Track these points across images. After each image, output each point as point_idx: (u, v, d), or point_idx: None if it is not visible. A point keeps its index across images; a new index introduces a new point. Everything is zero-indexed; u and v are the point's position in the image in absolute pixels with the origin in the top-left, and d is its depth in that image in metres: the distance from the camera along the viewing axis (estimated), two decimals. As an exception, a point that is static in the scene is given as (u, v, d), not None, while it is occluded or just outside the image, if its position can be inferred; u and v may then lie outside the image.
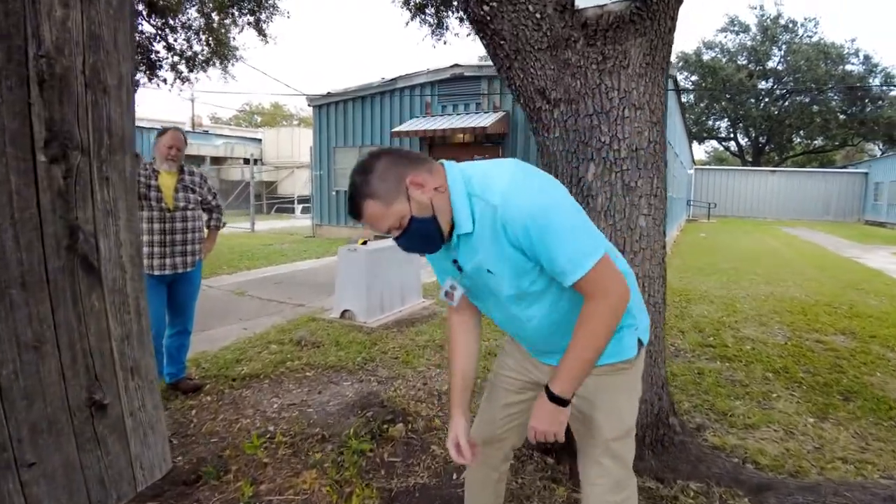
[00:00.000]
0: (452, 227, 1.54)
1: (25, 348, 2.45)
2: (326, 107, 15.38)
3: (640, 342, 1.69)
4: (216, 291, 7.89)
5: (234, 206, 24.14)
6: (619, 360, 1.66)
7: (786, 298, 7.57)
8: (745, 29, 35.76)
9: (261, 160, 25.05)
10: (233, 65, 12.63)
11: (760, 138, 38.82)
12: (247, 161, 21.81)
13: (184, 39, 12.84)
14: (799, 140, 39.51)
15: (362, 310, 5.99)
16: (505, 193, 1.45)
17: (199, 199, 4.00)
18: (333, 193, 15.26)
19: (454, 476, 2.85)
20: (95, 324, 2.71)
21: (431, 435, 3.28)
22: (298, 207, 23.26)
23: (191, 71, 12.89)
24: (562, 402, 1.52)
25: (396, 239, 1.55)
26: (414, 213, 1.47)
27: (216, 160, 24.73)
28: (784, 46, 34.64)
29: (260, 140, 27.74)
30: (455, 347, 1.85)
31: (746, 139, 39.99)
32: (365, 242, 6.24)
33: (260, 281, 8.74)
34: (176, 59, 12.86)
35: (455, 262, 1.65)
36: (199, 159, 22.41)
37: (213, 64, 12.60)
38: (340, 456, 2.95)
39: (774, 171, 30.91)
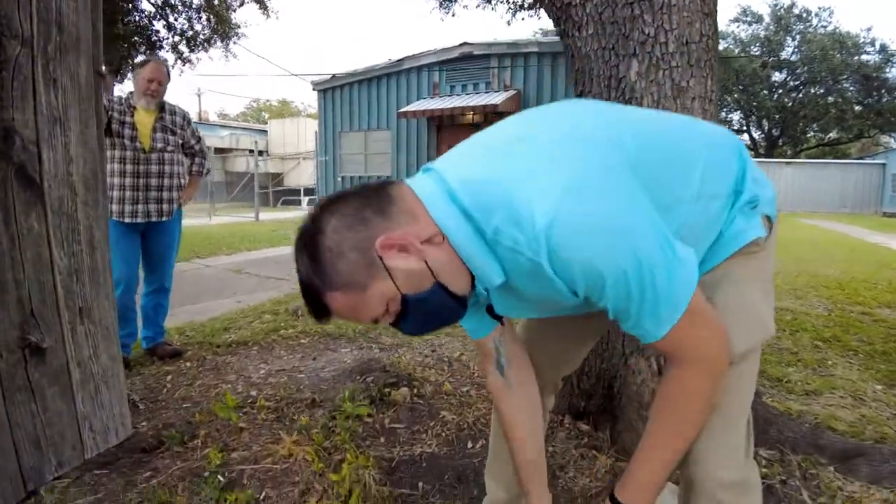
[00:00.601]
0: (473, 277, 1.05)
1: (-65, 263, 2.03)
2: (331, 91, 14.96)
3: (767, 219, 1.20)
4: (212, 270, 7.49)
5: (240, 197, 23.80)
6: (745, 242, 1.16)
7: (819, 275, 7.06)
8: (758, 19, 35.04)
9: (266, 151, 24.67)
10: (234, 43, 12.28)
11: (774, 130, 38.11)
12: (251, 152, 21.45)
13: (184, 18, 12.46)
14: (812, 133, 38.78)
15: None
16: (553, 239, 0.88)
17: (181, 141, 3.57)
18: (339, 179, 14.83)
19: (468, 444, 2.40)
20: (34, 250, 2.22)
21: (441, 400, 2.83)
22: (305, 199, 22.85)
23: (192, 51, 12.53)
24: None
25: (397, 326, 1.06)
26: (405, 291, 0.98)
27: (221, 151, 24.38)
28: (798, 36, 33.89)
29: (266, 131, 27.38)
30: (513, 427, 1.38)
31: (759, 131, 39.30)
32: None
33: (260, 261, 8.32)
34: (177, 38, 12.49)
35: (489, 309, 1.19)
36: (203, 150, 22.06)
37: (214, 43, 12.24)
38: (332, 421, 2.49)
39: (790, 162, 30.24)
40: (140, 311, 3.59)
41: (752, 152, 39.83)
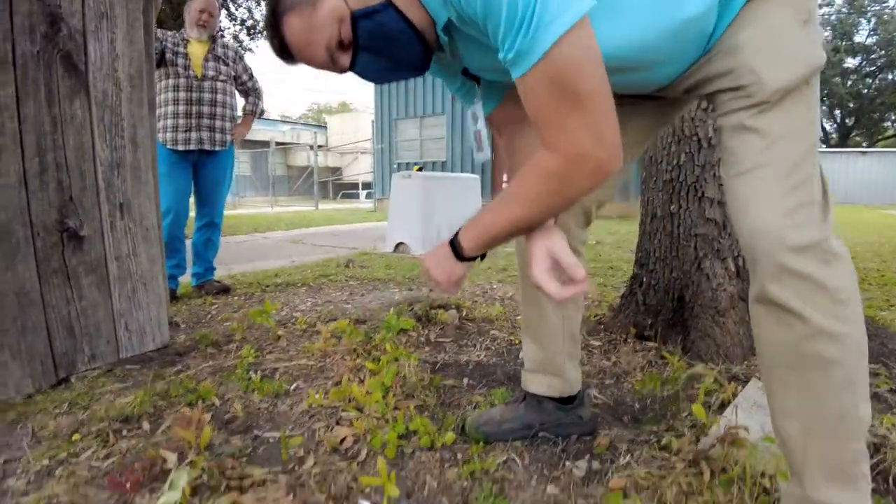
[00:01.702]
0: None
1: (-23, 132, 1.99)
2: (388, 78, 14.99)
3: None
4: (270, 241, 7.54)
5: (301, 191, 24.28)
6: None
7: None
8: (829, 2, 33.13)
9: (326, 146, 25.09)
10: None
11: (847, 120, 35.97)
12: (311, 147, 21.83)
13: (244, 8, 12.75)
14: (890, 122, 36.32)
15: (417, 242, 5.41)
16: None
17: (233, 74, 3.53)
18: (395, 167, 14.83)
19: (520, 357, 2.20)
20: (76, 137, 2.19)
21: (491, 323, 2.64)
22: (363, 193, 23.10)
23: (252, 38, 12.79)
24: (458, 253, 1.05)
25: (354, 66, 0.99)
26: (353, 7, 0.93)
27: (282, 145, 24.94)
28: (873, 18, 31.84)
29: (325, 127, 27.87)
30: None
31: (831, 121, 37.15)
32: (420, 169, 5.67)
33: (316, 234, 8.35)
34: (237, 27, 12.79)
35: (465, 72, 1.11)
36: (264, 144, 22.59)
37: (274, 29, 12.45)
38: (375, 333, 2.34)
39: (865, 152, 28.37)
40: (192, 247, 3.56)
41: (824, 143, 37.76)
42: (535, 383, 1.43)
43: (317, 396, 1.66)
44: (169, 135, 3.29)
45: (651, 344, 2.27)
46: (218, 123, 3.40)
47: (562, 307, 1.37)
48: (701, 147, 2.25)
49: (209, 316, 2.96)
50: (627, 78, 1.01)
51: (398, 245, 5.54)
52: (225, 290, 3.52)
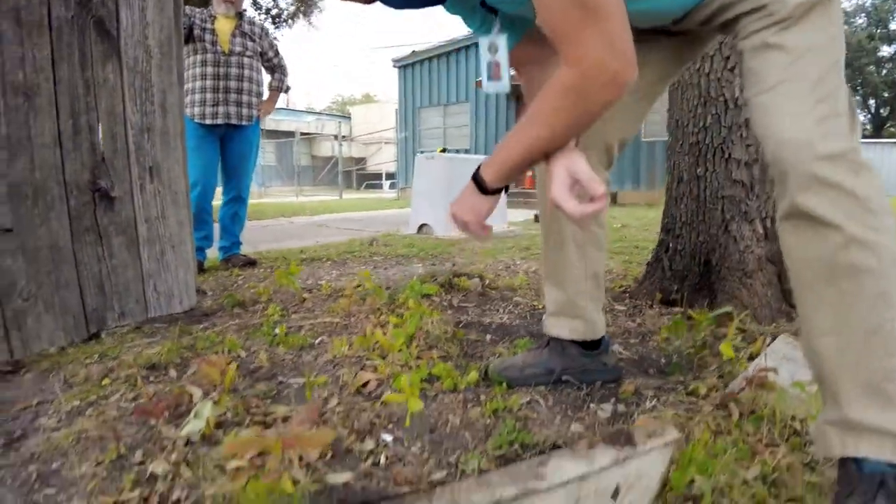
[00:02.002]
0: None
1: (13, 90, 1.88)
2: (410, 66, 14.99)
3: None
4: (295, 225, 7.62)
5: (325, 181, 24.45)
6: None
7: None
8: (863, -11, 32.19)
9: (350, 136, 25.22)
10: (317, 14, 12.52)
11: (882, 109, 34.95)
12: (336, 137, 21.94)
13: (270, -4, 12.84)
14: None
15: (440, 223, 5.41)
16: None
17: (259, 50, 3.56)
18: (419, 155, 14.87)
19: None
20: (107, 100, 2.22)
21: (514, 293, 2.63)
22: (386, 183, 23.18)
23: (277, 27, 12.88)
24: (482, 187, 1.07)
25: None
26: None
27: (306, 136, 25.13)
28: (910, 3, 30.87)
29: (349, 117, 28.00)
30: None
31: (864, 111, 36.14)
32: (444, 150, 5.66)
33: (341, 219, 8.41)
34: (263, 16, 12.89)
35: (483, 4, 1.10)
36: (289, 134, 22.81)
37: (298, 17, 12.54)
38: (397, 296, 2.35)
39: (903, 142, 27.55)
40: (219, 221, 3.61)
41: (860, 135, 36.58)
42: (558, 327, 1.42)
43: (341, 347, 1.68)
44: (196, 109, 3.33)
45: (677, 309, 2.24)
46: (245, 98, 3.44)
47: (583, 247, 1.36)
48: (728, 108, 2.20)
49: (235, 285, 3.00)
50: (641, 5, 1.00)
51: (421, 226, 5.55)
52: (251, 263, 3.57)
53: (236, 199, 3.61)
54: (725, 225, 2.18)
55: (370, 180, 25.04)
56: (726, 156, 2.20)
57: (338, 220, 8.33)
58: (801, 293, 0.92)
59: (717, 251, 2.21)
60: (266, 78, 3.77)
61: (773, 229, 2.14)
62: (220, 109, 3.36)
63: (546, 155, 1.02)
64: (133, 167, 2.22)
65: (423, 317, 1.85)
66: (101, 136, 2.11)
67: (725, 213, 2.18)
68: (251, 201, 3.88)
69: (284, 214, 8.95)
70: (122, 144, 2.19)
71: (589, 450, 0.73)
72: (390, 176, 22.75)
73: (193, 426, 1.10)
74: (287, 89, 3.93)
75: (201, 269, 3.34)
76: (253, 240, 5.13)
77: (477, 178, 1.07)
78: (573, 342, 1.42)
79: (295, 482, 0.84)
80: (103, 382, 1.57)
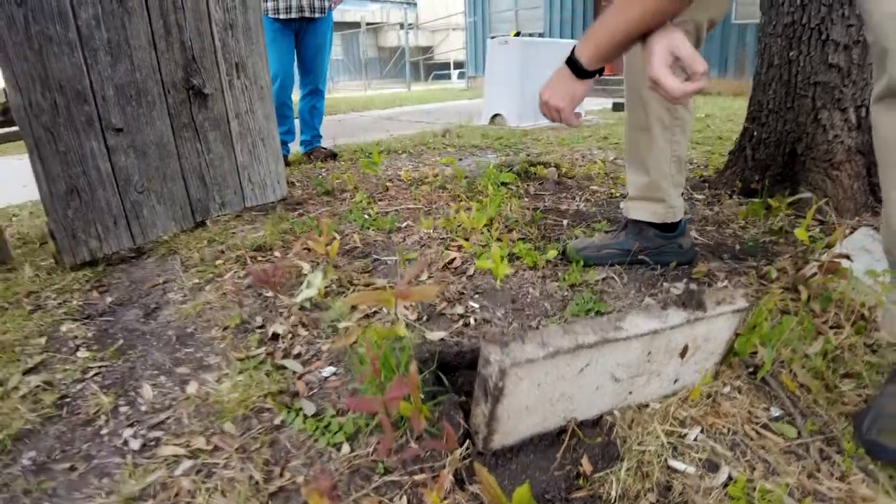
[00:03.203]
0: None
1: (108, -4, 2.16)
2: (481, -55, 14.11)
3: None
4: (367, 119, 7.69)
5: (392, 74, 24.07)
6: None
7: None
8: None
9: (416, 25, 24.43)
10: None
11: None
12: (402, 26, 21.30)
13: None
14: None
15: (514, 113, 5.34)
16: None
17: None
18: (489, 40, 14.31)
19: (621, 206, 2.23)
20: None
21: (590, 182, 2.65)
22: (455, 73, 22.60)
23: None
24: (575, 67, 1.06)
25: None
26: None
27: (372, 25, 24.54)
28: None
29: (415, 4, 26.99)
30: None
31: None
32: (518, 34, 5.47)
33: (411, 112, 8.40)
34: None
35: None
36: (354, 25, 22.32)
37: None
38: (475, 183, 2.43)
39: None
40: (298, 115, 3.73)
41: None
42: (638, 210, 1.47)
43: (427, 230, 1.80)
44: (271, 3, 3.36)
45: (757, 199, 2.22)
46: (318, -10, 3.43)
47: (670, 129, 1.38)
48: (830, -17, 2.05)
49: (320, 176, 3.16)
50: None
51: (494, 117, 5.50)
52: (332, 155, 3.71)
53: (314, 93, 3.70)
54: (815, 113, 2.09)
55: (438, 70, 24.45)
56: (823, 37, 2.07)
57: (408, 112, 8.33)
58: (887, 175, 0.93)
59: (803, 140, 2.14)
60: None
61: (866, 119, 2.04)
62: (294, 3, 3.37)
63: (645, 33, 1.01)
64: (221, 64, 2.33)
65: (502, 202, 1.94)
66: (188, 34, 2.21)
67: (816, 101, 2.09)
68: (321, 96, 3.96)
69: (355, 109, 9.02)
70: (209, 42, 2.29)
71: (662, 310, 0.81)
72: (459, 65, 22.11)
73: (307, 293, 1.26)
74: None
75: (286, 162, 3.51)
76: (330, 134, 5.26)
77: (572, 61, 1.08)
78: (651, 225, 1.48)
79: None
80: (216, 263, 1.77)
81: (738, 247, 1.73)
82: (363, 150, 4.02)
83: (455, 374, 0.98)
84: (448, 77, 23.20)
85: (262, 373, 1.09)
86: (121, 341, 1.35)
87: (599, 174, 2.73)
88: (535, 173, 2.65)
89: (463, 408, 0.86)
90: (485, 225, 1.71)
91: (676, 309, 0.82)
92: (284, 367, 1.12)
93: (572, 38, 11.21)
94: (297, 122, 3.74)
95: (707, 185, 2.51)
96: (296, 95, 3.70)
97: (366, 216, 2.08)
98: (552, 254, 1.52)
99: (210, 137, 2.32)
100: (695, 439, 0.87)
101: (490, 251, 1.47)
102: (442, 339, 1.13)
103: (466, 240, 1.69)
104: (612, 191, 2.42)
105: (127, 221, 2.07)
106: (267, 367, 1.11)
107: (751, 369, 1.02)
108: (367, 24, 22.66)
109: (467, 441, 0.81)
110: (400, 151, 3.91)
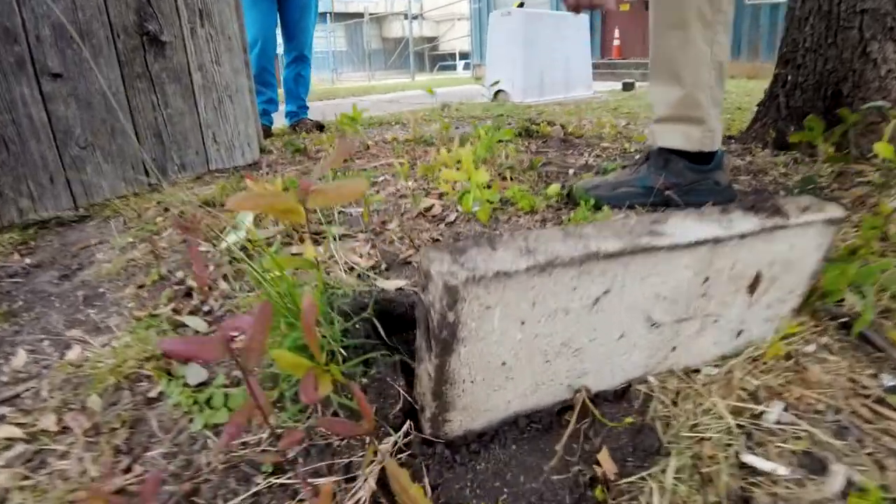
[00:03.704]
0: None
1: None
2: (485, -71, 13.77)
3: None
4: (366, 102, 7.40)
5: (396, 65, 23.74)
6: None
7: None
8: None
9: (421, 15, 24.07)
10: None
11: None
12: (406, 16, 20.96)
13: None
14: None
15: (517, 88, 5.04)
16: None
17: None
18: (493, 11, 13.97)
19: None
20: (147, -66, 2.07)
21: (600, 140, 2.35)
22: (460, 63, 22.22)
23: None
24: None
25: None
26: None
27: (375, 15, 24.19)
28: None
29: (420, -5, 26.60)
30: None
31: None
32: (521, 5, 5.17)
33: (411, 96, 8.10)
34: None
35: None
36: (358, 16, 22.00)
37: None
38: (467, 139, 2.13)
39: None
40: (283, 85, 3.45)
41: None
42: (668, 134, 1.16)
43: (406, 182, 1.51)
44: (249, -36, 3.08)
45: (793, 153, 1.92)
46: (300, -56, 3.15)
47: (711, 27, 1.08)
48: None
49: (302, 145, 2.88)
50: None
51: (497, 93, 5.20)
52: (319, 127, 3.43)
53: (299, 59, 3.41)
54: (863, 46, 1.79)
55: (443, 61, 24.08)
56: (872, -46, 1.77)
57: (410, 95, 8.04)
58: None
59: (849, 79, 1.83)
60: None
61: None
62: (276, -40, 3.09)
63: None
64: (182, 10, 2.06)
65: (495, 146, 1.65)
66: (142, -29, 1.93)
67: (864, 32, 1.78)
68: (323, 87, 3.68)
69: (355, 94, 8.74)
70: (167, -16, 2.02)
71: (722, 214, 0.52)
72: (464, 56, 21.76)
73: (234, 236, 0.98)
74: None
75: (268, 133, 3.23)
76: (321, 114, 5.00)
77: None
78: (681, 155, 1.18)
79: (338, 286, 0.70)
80: (157, 220, 1.50)
81: (782, 193, 1.43)
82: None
83: (411, 333, 0.70)
84: (454, 68, 22.83)
85: (155, 332, 0.82)
86: (19, 303, 1.10)
87: (611, 134, 2.43)
88: (537, 131, 2.35)
89: (408, 374, 0.58)
90: (473, 164, 1.41)
91: (744, 213, 0.53)
92: (185, 326, 0.84)
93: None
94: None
95: (733, 140, 2.20)
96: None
97: (339, 173, 1.79)
98: (554, 189, 1.22)
99: (168, 90, 2.04)
100: (778, 422, 0.57)
101: (483, 193, 1.18)
102: (400, 289, 0.84)
103: (452, 188, 1.40)
104: (626, 146, 2.12)
105: (67, 180, 1.80)
106: (164, 326, 0.83)
107: (839, 321, 0.73)
108: (371, 14, 22.37)
109: (407, 424, 0.53)
110: (392, 123, 3.63)
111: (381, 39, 24.98)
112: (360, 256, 0.96)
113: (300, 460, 0.51)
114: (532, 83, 5.06)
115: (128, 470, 0.56)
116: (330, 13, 22.22)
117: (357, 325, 0.61)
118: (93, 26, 1.84)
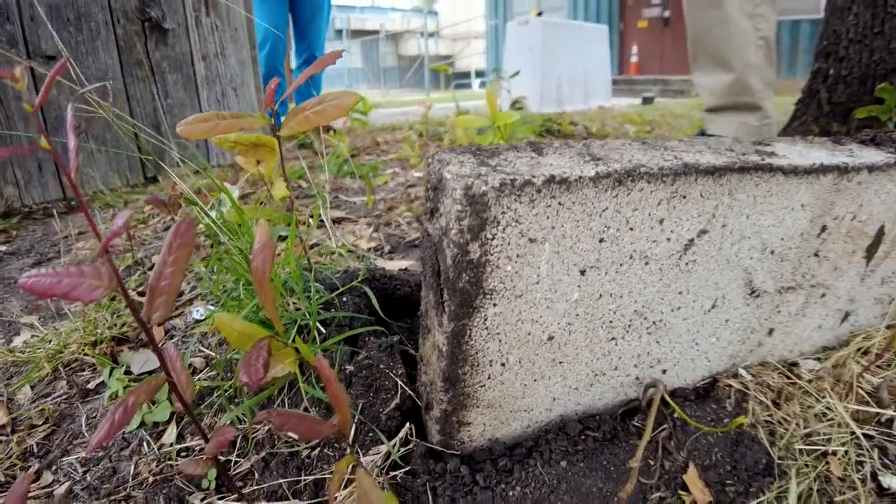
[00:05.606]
0: None
1: None
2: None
3: None
4: (377, 114, 7.35)
5: (411, 83, 23.83)
6: None
7: None
8: None
9: (437, 33, 24.22)
10: None
11: None
12: (422, 33, 21.08)
13: None
14: None
15: (535, 98, 4.93)
16: None
17: None
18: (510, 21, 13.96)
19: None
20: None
21: (627, 138, 2.22)
22: (476, 81, 22.26)
23: None
24: None
25: None
26: None
27: (392, 34, 24.36)
28: None
29: (436, 13, 26.82)
30: None
31: None
32: (540, 14, 5.07)
33: (414, 111, 8.05)
34: None
35: None
36: (374, 33, 22.15)
37: None
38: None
39: None
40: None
41: None
42: (723, 123, 1.02)
43: (418, 172, 1.38)
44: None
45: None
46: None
47: (753, 2, 0.94)
48: None
49: (309, 142, 2.77)
50: None
51: (514, 102, 5.09)
52: (328, 128, 3.32)
53: (310, 60, 3.31)
54: (919, 28, 1.65)
55: (459, 79, 24.14)
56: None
57: (409, 112, 7.98)
58: None
59: (901, 68, 1.69)
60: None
61: None
62: (288, -46, 3.01)
63: None
64: (186, -3, 1.96)
65: (516, 140, 1.51)
66: (145, -50, 1.84)
67: (920, 12, 1.64)
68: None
69: (372, 107, 8.71)
70: (172, -32, 1.93)
71: (836, 143, 0.38)
72: (480, 74, 21.81)
73: (215, 213, 0.85)
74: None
75: (275, 132, 3.13)
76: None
77: None
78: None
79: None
80: (146, 209, 1.38)
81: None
82: (360, 121, 3.63)
83: (415, 321, 0.56)
84: (469, 86, 22.86)
85: (105, 315, 0.68)
86: (-20, 290, 0.97)
87: (640, 133, 2.29)
88: (559, 130, 2.22)
89: (409, 364, 0.44)
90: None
91: (862, 146, 0.39)
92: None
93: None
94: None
95: (768, 142, 2.06)
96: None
97: (345, 166, 1.67)
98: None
99: (169, 80, 1.95)
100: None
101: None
102: (405, 270, 0.70)
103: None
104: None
105: (56, 168, 1.69)
106: (118, 309, 0.70)
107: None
108: (387, 31, 22.51)
109: (407, 427, 0.38)
110: (406, 128, 3.51)
111: (397, 57, 25.14)
112: (361, 238, 0.83)
113: (255, 475, 0.38)
114: (550, 92, 4.94)
115: (36, 478, 0.43)
116: (346, 30, 22.40)
117: (345, 298, 0.47)
118: (91, 9, 1.74)
